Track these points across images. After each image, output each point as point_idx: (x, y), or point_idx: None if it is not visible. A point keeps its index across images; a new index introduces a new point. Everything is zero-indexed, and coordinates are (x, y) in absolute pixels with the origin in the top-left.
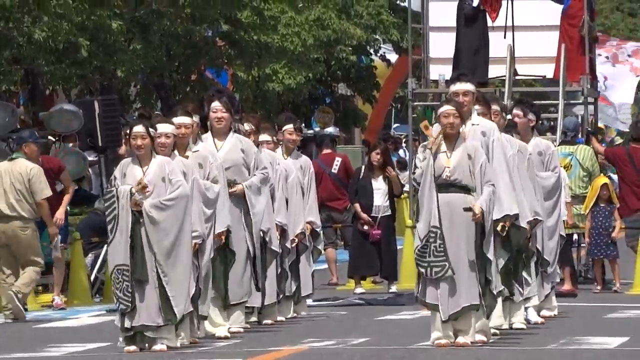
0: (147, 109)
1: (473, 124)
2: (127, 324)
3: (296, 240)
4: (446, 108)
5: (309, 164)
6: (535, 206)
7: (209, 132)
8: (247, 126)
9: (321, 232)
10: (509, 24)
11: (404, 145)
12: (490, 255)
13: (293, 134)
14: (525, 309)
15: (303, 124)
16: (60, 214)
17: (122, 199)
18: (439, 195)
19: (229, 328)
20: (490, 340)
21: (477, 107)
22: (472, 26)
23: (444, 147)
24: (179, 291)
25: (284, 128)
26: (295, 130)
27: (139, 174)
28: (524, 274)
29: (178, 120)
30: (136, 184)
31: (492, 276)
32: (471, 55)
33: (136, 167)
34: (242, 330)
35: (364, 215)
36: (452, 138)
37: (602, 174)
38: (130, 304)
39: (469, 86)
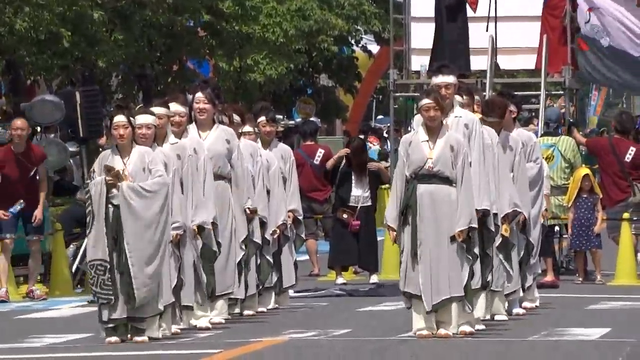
0: (126, 99)
1: (456, 116)
2: (105, 316)
3: (278, 231)
4: (426, 102)
5: (290, 152)
6: (514, 198)
7: (193, 122)
8: (224, 119)
9: (302, 220)
10: (492, 14)
11: (385, 135)
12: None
13: (266, 126)
14: (508, 300)
15: (284, 116)
16: (39, 212)
17: (95, 192)
18: (420, 186)
19: (211, 319)
20: (476, 330)
21: (460, 98)
22: (455, 17)
23: (426, 137)
24: (144, 282)
25: (258, 120)
26: (268, 122)
27: (119, 165)
28: (506, 266)
29: (154, 111)
30: (113, 174)
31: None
32: (453, 47)
33: (117, 159)
34: (223, 321)
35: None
36: (434, 129)
37: (583, 165)
38: (112, 297)
39: (450, 79)
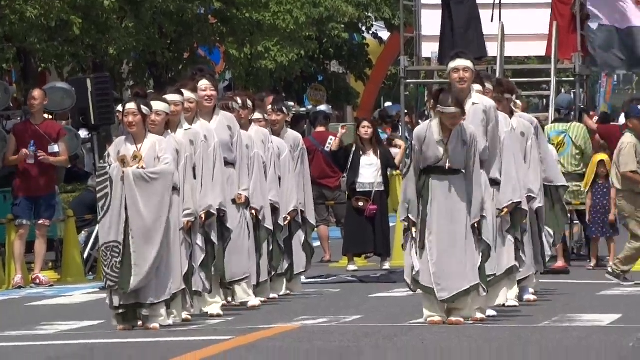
0: (143, 88)
1: (473, 103)
2: (115, 302)
3: (289, 217)
4: (451, 111)
5: (300, 141)
6: (528, 184)
7: None
8: (235, 105)
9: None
10: (501, 2)
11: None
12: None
13: (272, 115)
14: (519, 287)
15: (295, 102)
16: (46, 158)
17: (115, 176)
18: (432, 176)
19: (222, 305)
20: (487, 317)
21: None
22: (462, 2)
23: (440, 136)
24: (143, 270)
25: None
26: (274, 111)
27: (129, 151)
28: (519, 252)
29: (169, 97)
30: (132, 157)
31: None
32: (463, 33)
33: (130, 146)
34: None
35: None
36: (446, 129)
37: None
38: (117, 281)
39: (469, 63)
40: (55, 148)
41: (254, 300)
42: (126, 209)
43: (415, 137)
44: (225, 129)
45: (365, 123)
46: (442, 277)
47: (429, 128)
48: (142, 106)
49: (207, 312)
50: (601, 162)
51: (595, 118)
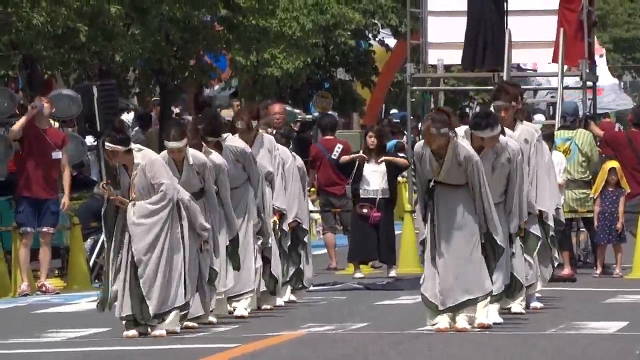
0: (120, 121)
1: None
2: (117, 312)
3: (293, 224)
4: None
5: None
6: (530, 191)
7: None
8: (240, 124)
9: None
10: (508, 9)
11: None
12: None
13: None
14: (527, 294)
15: (302, 110)
16: (66, 198)
17: (109, 206)
18: (437, 186)
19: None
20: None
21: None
22: (498, 9)
23: (434, 160)
24: (155, 292)
25: None
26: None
27: (125, 180)
28: (527, 258)
29: (170, 144)
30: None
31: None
32: (497, 39)
33: (124, 173)
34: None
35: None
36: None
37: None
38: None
39: (494, 132)
40: (59, 154)
41: (242, 311)
42: (129, 240)
43: (415, 152)
44: (266, 156)
45: (372, 133)
46: (444, 289)
47: (425, 148)
48: (116, 139)
49: (211, 321)
50: (612, 169)
51: (617, 125)
